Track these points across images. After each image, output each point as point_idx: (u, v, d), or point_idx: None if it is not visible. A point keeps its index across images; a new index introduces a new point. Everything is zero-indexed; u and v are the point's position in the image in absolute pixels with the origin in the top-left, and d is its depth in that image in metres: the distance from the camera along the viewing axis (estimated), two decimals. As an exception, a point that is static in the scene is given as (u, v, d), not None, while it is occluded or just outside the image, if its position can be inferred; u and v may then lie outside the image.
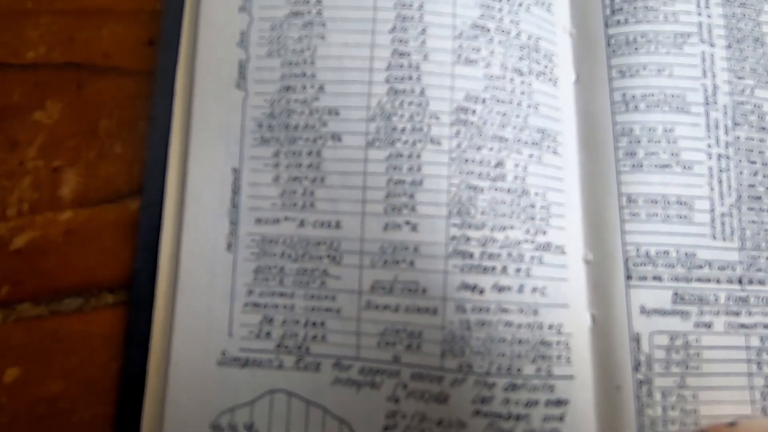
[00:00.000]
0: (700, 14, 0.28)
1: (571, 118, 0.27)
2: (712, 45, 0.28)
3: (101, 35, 0.30)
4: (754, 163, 0.27)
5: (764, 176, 0.27)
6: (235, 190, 0.25)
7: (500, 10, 0.26)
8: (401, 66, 0.25)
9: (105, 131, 0.28)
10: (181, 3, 0.26)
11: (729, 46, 0.28)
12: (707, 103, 0.27)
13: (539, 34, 0.27)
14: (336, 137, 0.24)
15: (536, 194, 0.24)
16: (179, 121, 0.25)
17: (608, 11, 0.28)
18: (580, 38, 0.28)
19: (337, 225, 0.24)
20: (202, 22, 0.26)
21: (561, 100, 0.26)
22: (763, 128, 0.27)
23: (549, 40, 0.27)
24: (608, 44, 0.28)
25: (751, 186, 0.27)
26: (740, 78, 0.27)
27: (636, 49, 0.27)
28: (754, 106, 0.27)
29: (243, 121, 0.25)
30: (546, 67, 0.26)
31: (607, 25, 0.28)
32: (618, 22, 0.28)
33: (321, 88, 0.25)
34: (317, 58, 0.25)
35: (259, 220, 0.24)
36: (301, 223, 0.24)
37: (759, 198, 0.26)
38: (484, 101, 0.25)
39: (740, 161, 0.27)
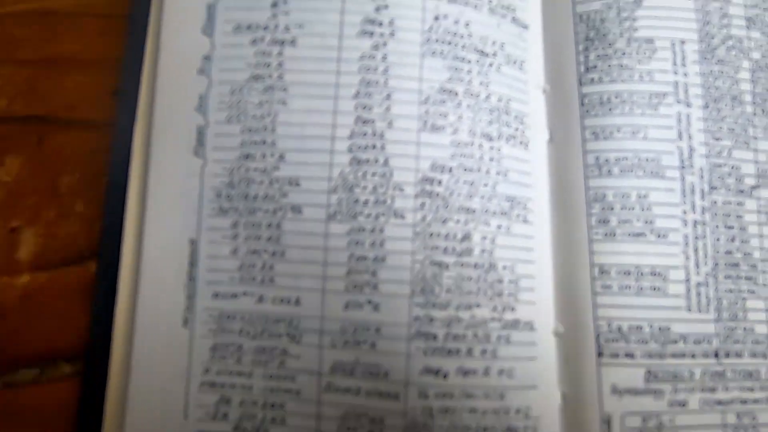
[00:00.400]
0: (676, 73, 0.26)
1: (543, 182, 0.25)
2: (688, 105, 0.26)
3: (65, 85, 0.28)
4: (731, 228, 0.25)
5: (742, 241, 0.25)
6: (192, 263, 0.23)
7: (469, 72, 0.25)
8: (365, 134, 0.23)
9: (66, 188, 0.27)
10: (140, 61, 0.25)
11: (706, 106, 0.26)
12: (683, 167, 0.25)
13: (510, 95, 0.25)
14: (296, 209, 0.23)
15: (504, 268, 0.23)
16: (136, 185, 0.24)
17: (582, 68, 0.27)
18: (554, 95, 0.27)
19: (297, 302, 0.22)
20: (159, 84, 0.24)
21: (532, 163, 0.25)
22: (741, 191, 0.26)
23: (521, 100, 0.26)
24: (582, 104, 0.26)
25: (729, 252, 0.25)
26: (717, 139, 0.26)
27: (610, 109, 0.26)
28: (732, 167, 0.26)
29: (201, 190, 0.23)
30: (517, 129, 0.25)
31: (581, 83, 0.27)
32: (592, 80, 0.26)
33: (281, 157, 0.23)
34: (278, 124, 0.23)
35: (216, 295, 0.23)
36: (260, 299, 0.23)
37: (736, 265, 0.25)
38: (450, 170, 0.23)
39: (717, 227, 0.25)
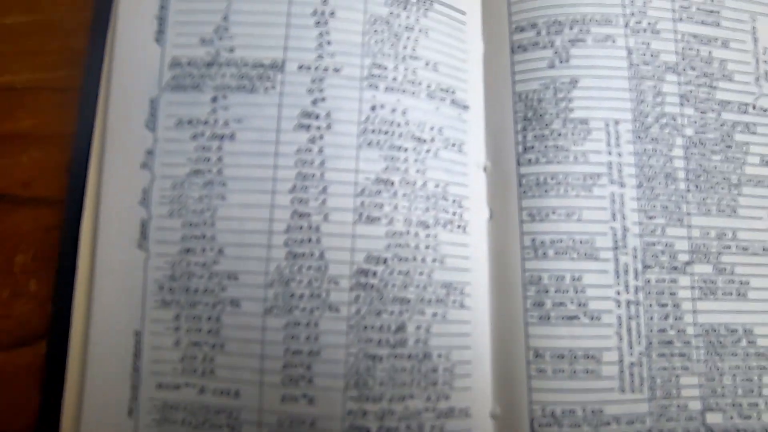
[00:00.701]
0: (610, 153, 0.27)
1: (482, 265, 0.25)
2: (622, 185, 0.26)
3: (21, 162, 0.28)
4: (664, 305, 0.26)
5: (676, 318, 0.26)
6: (137, 353, 0.23)
7: (405, 160, 0.25)
8: (300, 228, 0.23)
9: (20, 267, 0.27)
10: (89, 145, 0.25)
11: (640, 185, 0.27)
12: (616, 248, 0.26)
13: (448, 179, 0.26)
14: (235, 303, 0.23)
15: (439, 356, 0.23)
16: (84, 272, 0.24)
17: (521, 148, 0.27)
18: (495, 173, 0.27)
19: (236, 394, 0.22)
20: (105, 176, 0.24)
21: (471, 247, 0.25)
22: (675, 268, 0.26)
23: (459, 183, 0.26)
24: (520, 184, 0.27)
25: (662, 331, 0.25)
26: (651, 217, 0.26)
27: (546, 191, 0.26)
28: (666, 245, 0.26)
29: (145, 282, 0.23)
30: (455, 213, 0.25)
31: (519, 164, 0.27)
32: (529, 161, 0.27)
33: (221, 251, 0.23)
34: (217, 219, 0.24)
35: (160, 385, 0.23)
36: (202, 390, 0.23)
37: (670, 342, 0.25)
38: (385, 261, 0.23)
39: (650, 305, 0.25)
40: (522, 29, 0.29)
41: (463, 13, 0.29)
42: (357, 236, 0.23)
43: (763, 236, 0.27)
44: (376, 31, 0.26)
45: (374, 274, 0.23)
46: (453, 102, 0.27)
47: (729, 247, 0.27)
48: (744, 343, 0.26)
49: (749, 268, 0.27)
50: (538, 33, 0.28)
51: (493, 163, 0.27)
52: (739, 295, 0.26)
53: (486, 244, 0.26)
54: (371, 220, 0.24)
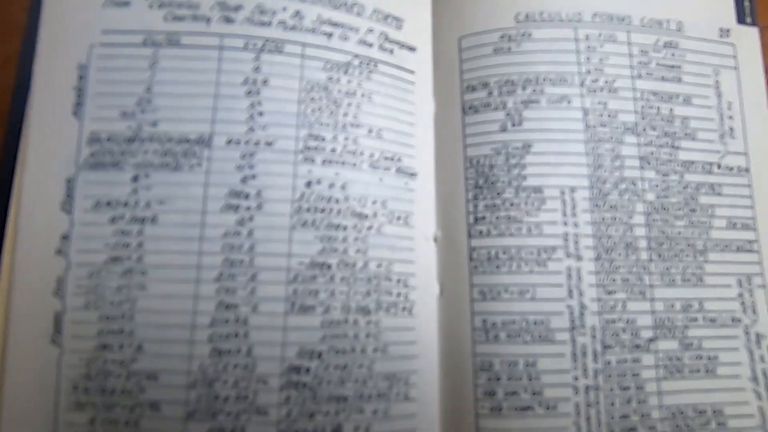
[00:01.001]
0: (566, 223, 0.25)
1: (431, 348, 0.23)
2: (579, 258, 0.24)
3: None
4: (626, 389, 0.23)
5: (639, 402, 0.23)
6: (50, 462, 0.21)
7: (344, 240, 0.23)
8: (227, 321, 0.21)
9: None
10: (1, 234, 0.23)
11: (598, 258, 0.24)
12: (573, 328, 0.23)
13: (392, 257, 0.23)
14: (154, 406, 0.21)
15: (380, 458, 0.21)
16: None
17: (471, 219, 0.25)
18: (446, 244, 0.25)
19: None
20: (17, 262, 0.22)
21: (417, 331, 0.23)
22: (638, 346, 0.24)
23: (405, 259, 0.24)
24: (471, 258, 0.24)
25: (625, 417, 0.23)
26: (610, 293, 0.24)
27: (498, 266, 0.24)
28: (627, 322, 0.24)
29: (58, 382, 0.21)
30: (399, 295, 0.23)
31: (470, 235, 0.25)
32: (480, 232, 0.25)
33: (139, 348, 0.21)
34: (136, 312, 0.21)
35: (74, 498, 0.20)
36: (119, 503, 0.20)
37: (633, 429, 0.23)
38: (320, 355, 0.21)
39: (611, 389, 0.23)
40: (473, 89, 0.27)
41: (411, 72, 0.27)
42: (289, 328, 0.21)
43: (732, 305, 0.25)
44: (313, 99, 0.24)
45: (307, 370, 0.21)
46: (399, 170, 0.25)
47: (695, 319, 0.25)
48: (713, 425, 0.24)
49: (718, 341, 0.25)
50: (490, 93, 0.26)
51: (444, 234, 0.25)
52: (707, 371, 0.24)
53: (435, 324, 0.24)
54: (305, 309, 0.21)
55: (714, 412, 0.24)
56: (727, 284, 0.26)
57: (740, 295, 0.26)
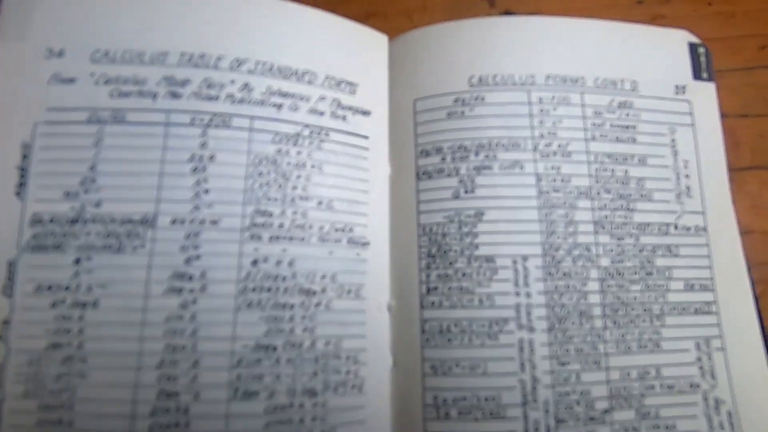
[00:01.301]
0: (518, 294, 0.24)
1: (383, 425, 0.23)
2: (531, 330, 0.24)
3: None
4: (581, 464, 0.23)
5: (594, 477, 0.23)
6: None
7: (291, 319, 0.22)
8: (167, 410, 0.20)
9: None
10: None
11: (551, 328, 0.24)
12: (525, 403, 0.23)
13: (342, 333, 0.23)
14: (93, 502, 0.20)
15: None
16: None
17: (424, 289, 0.24)
18: (399, 315, 0.24)
19: None
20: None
21: (367, 409, 0.22)
22: (592, 418, 0.23)
23: (356, 334, 0.23)
24: (423, 330, 0.24)
25: (579, 493, 0.22)
26: (564, 364, 0.24)
27: (449, 340, 0.23)
28: (581, 394, 0.23)
29: (-3, 475, 0.20)
30: (348, 372, 0.22)
31: (422, 306, 0.24)
32: (432, 304, 0.24)
33: (79, 439, 0.20)
34: (76, 401, 0.20)
35: None
36: None
37: (588, 506, 0.22)
38: (263, 443, 0.20)
39: (565, 466, 0.22)
40: (427, 153, 0.26)
41: (365, 137, 0.26)
42: (231, 416, 0.20)
43: (690, 370, 0.25)
44: (260, 173, 0.23)
45: (250, 460, 0.20)
46: (350, 241, 0.24)
47: (652, 387, 0.24)
48: (670, 497, 0.23)
49: (675, 408, 0.24)
50: (443, 158, 0.26)
51: (398, 303, 0.24)
52: (664, 440, 0.24)
53: (388, 400, 0.23)
54: (248, 395, 0.21)
55: (672, 483, 0.23)
56: (684, 348, 0.25)
57: (699, 359, 0.25)
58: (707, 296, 0.26)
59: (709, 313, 0.26)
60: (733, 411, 0.24)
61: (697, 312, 0.26)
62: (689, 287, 0.26)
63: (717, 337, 0.25)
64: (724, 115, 0.28)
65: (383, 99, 0.27)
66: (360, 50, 0.27)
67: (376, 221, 0.25)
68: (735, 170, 0.29)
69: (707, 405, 0.24)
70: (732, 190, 0.27)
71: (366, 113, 0.26)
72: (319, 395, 0.22)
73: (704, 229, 0.27)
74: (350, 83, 0.26)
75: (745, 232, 0.27)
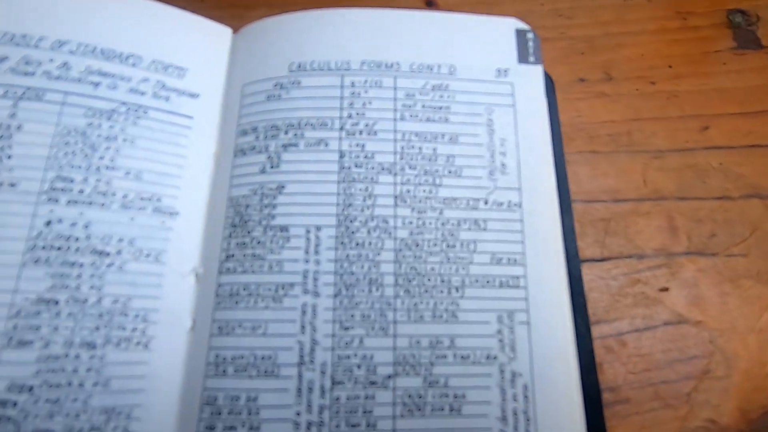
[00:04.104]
0: (307, 261, 0.25)
1: (166, 383, 0.24)
2: (316, 295, 0.25)
3: None
4: (356, 426, 0.24)
5: (370, 439, 0.23)
6: None
7: (78, 276, 0.24)
8: (-57, 355, 0.22)
9: None
10: None
11: (337, 294, 0.25)
12: (302, 363, 0.24)
13: (132, 293, 0.24)
14: None
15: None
16: None
17: (223, 256, 0.26)
18: (204, 281, 0.26)
19: None
20: None
21: (151, 365, 0.24)
22: (373, 382, 0.24)
23: (149, 296, 0.25)
24: (216, 294, 0.25)
25: (350, 453, 0.23)
26: (346, 329, 0.25)
27: (237, 302, 0.25)
28: (363, 358, 0.24)
29: None
30: (135, 330, 0.24)
31: (220, 272, 0.26)
32: (228, 270, 0.25)
33: None
34: None
35: None
36: None
37: (358, 467, 0.23)
38: (31, 389, 0.22)
39: (338, 426, 0.23)
40: (245, 133, 0.28)
41: (189, 117, 0.28)
42: (2, 363, 0.22)
43: (489, 342, 0.26)
44: (67, 143, 0.25)
45: (14, 404, 0.22)
46: (156, 210, 0.26)
47: (444, 356, 0.25)
48: (450, 463, 0.24)
49: (467, 379, 0.25)
50: (257, 137, 0.28)
51: (205, 271, 0.26)
52: (451, 410, 0.24)
53: (182, 359, 0.24)
54: (22, 344, 0.22)
55: (454, 450, 0.24)
56: (485, 321, 0.26)
57: (499, 331, 0.26)
58: (516, 270, 0.27)
59: (516, 287, 0.26)
60: (530, 384, 0.25)
61: (502, 285, 0.26)
62: (497, 261, 0.27)
63: (523, 311, 0.26)
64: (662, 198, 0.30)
65: (218, 84, 0.29)
66: (197, 39, 0.30)
67: (190, 194, 0.27)
68: (671, 255, 0.29)
69: (503, 377, 0.25)
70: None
71: (194, 95, 0.29)
72: (98, 348, 0.23)
73: (519, 205, 0.28)
74: (179, 68, 0.29)
75: (677, 322, 0.27)
